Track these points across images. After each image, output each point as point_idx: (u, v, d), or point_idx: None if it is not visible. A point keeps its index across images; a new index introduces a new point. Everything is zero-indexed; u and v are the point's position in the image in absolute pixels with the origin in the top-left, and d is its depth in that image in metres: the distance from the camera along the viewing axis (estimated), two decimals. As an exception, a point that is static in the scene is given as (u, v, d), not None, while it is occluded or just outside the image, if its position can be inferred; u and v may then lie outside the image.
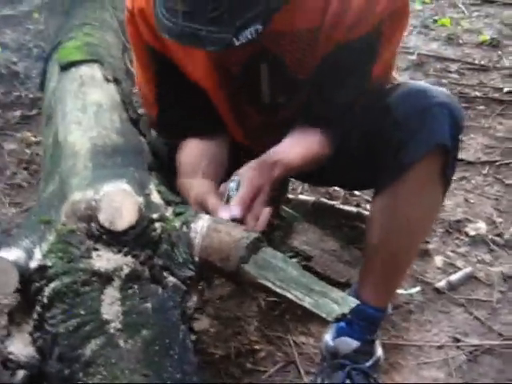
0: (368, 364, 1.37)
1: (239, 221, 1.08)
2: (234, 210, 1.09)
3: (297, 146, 1.24)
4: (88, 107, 1.29)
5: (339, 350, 1.38)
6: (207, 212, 1.10)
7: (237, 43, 1.02)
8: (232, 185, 1.14)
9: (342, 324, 1.38)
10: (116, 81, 1.44)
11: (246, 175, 1.15)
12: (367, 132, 1.32)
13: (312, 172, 1.40)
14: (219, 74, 1.28)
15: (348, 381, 1.36)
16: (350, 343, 1.37)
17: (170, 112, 1.35)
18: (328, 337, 1.41)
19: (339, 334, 1.39)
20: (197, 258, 0.99)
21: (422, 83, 1.38)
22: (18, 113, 2.54)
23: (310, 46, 1.25)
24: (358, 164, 1.37)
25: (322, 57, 1.25)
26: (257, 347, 1.54)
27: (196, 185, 1.20)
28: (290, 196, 2.00)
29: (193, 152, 1.28)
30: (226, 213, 1.08)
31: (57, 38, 1.81)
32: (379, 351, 1.41)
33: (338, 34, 1.22)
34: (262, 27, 1.03)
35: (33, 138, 2.34)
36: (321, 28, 1.22)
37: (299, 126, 1.28)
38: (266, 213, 1.13)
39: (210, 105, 1.32)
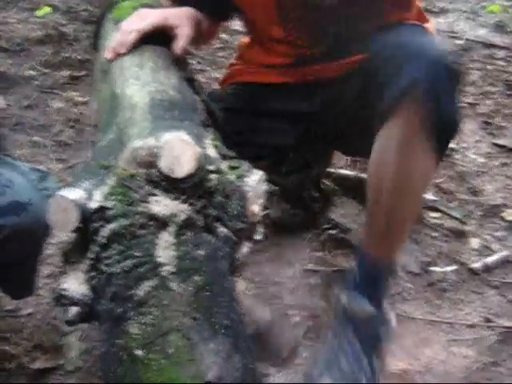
0: (380, 326, 1.37)
1: None
2: None
3: None
4: (145, 64, 1.31)
5: (349, 307, 1.38)
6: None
7: None
8: None
9: (351, 280, 1.40)
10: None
11: None
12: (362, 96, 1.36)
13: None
14: None
15: (356, 337, 1.36)
16: (360, 300, 1.37)
17: None
18: (342, 295, 1.42)
19: (350, 290, 1.40)
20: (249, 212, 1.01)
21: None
22: (66, 73, 2.58)
23: None
24: (357, 127, 1.41)
25: None
26: (290, 312, 1.57)
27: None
28: (331, 170, 2.02)
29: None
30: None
31: (111, -2, 1.82)
32: (391, 314, 1.41)
33: None
34: None
35: (80, 98, 2.39)
36: None
37: None
38: None
39: None
